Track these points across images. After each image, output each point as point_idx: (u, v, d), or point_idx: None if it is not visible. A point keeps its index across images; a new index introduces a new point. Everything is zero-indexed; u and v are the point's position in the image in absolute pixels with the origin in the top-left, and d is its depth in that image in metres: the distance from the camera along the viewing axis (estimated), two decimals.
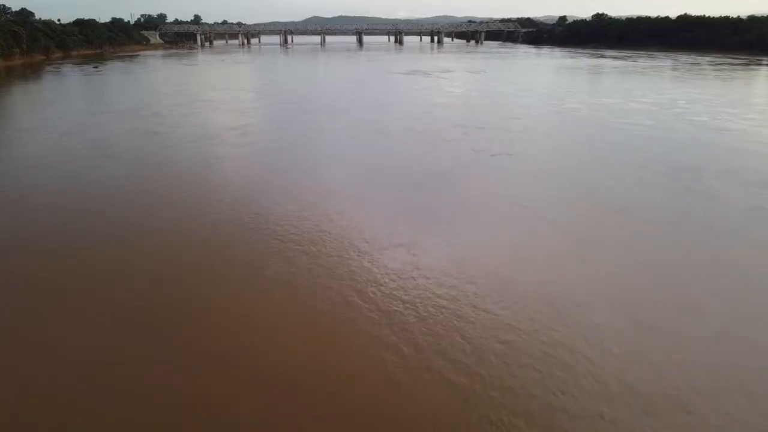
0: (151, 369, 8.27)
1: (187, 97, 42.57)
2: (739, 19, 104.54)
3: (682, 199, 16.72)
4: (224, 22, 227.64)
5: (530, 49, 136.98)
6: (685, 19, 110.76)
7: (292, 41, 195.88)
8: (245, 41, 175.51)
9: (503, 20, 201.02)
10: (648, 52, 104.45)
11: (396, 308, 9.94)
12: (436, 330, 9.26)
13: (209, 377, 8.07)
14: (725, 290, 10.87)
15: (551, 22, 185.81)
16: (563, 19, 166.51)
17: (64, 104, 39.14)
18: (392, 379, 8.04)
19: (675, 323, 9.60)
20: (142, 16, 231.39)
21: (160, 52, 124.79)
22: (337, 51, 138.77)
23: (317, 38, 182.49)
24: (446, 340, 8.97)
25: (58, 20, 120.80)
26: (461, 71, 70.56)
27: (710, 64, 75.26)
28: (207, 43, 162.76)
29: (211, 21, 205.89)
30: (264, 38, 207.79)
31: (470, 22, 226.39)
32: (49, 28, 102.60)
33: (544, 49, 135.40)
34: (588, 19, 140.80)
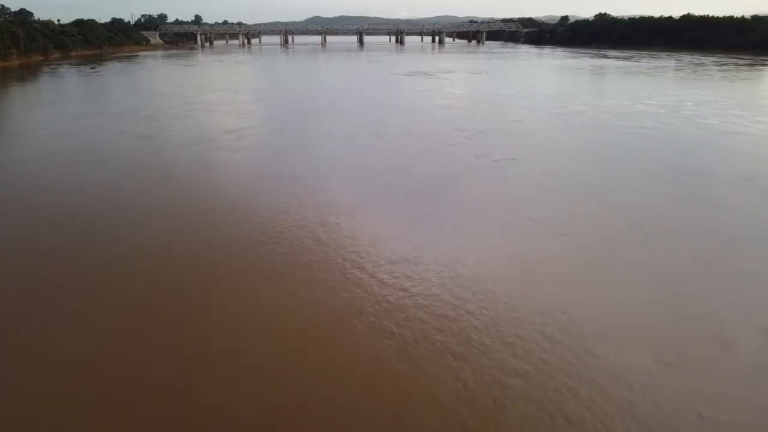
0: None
1: (184, 98, 41.74)
2: (743, 19, 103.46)
3: (696, 210, 15.83)
4: (225, 22, 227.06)
5: (532, 49, 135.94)
6: (688, 19, 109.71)
7: (293, 41, 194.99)
8: (245, 41, 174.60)
9: (505, 20, 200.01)
10: (651, 52, 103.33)
11: (386, 341, 9.08)
12: (428, 373, 8.40)
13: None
14: (752, 314, 9.97)
15: (553, 23, 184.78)
16: (565, 19, 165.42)
17: (56, 106, 38.33)
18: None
19: (703, 357, 8.68)
20: (142, 16, 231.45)
21: (159, 53, 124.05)
22: (338, 51, 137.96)
23: (318, 38, 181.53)
24: (441, 386, 8.10)
25: (58, 20, 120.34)
26: (462, 72, 69.65)
27: (715, 65, 74.28)
28: (207, 44, 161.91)
29: (211, 21, 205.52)
30: (265, 38, 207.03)
31: (471, 22, 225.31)
32: (47, 28, 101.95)
33: (546, 49, 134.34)
34: (590, 19, 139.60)
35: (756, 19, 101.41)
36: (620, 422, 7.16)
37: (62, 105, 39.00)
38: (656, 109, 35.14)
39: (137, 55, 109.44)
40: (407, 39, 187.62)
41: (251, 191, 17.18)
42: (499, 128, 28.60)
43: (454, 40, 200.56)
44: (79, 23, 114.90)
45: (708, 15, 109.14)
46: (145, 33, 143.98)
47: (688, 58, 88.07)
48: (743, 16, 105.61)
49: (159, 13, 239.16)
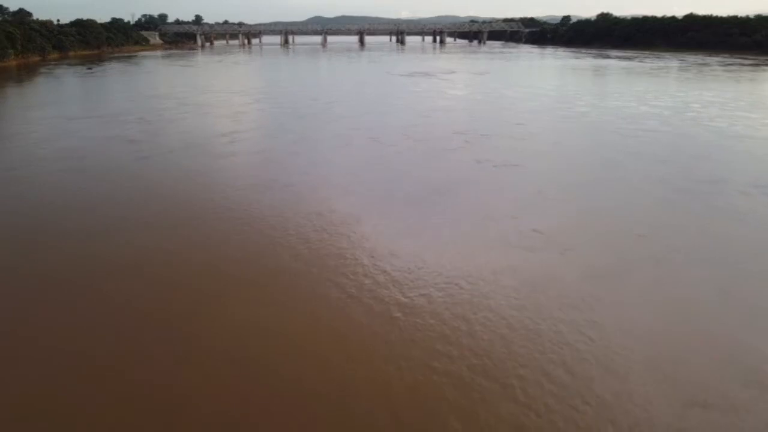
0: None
1: (178, 100, 40.82)
2: (747, 19, 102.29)
3: (712, 225, 14.77)
4: (225, 22, 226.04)
5: (534, 50, 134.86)
6: (691, 19, 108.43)
7: (293, 41, 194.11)
8: (246, 41, 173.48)
9: (506, 20, 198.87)
10: (654, 52, 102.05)
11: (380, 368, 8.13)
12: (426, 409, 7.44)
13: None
14: None
15: (554, 22, 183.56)
16: (567, 18, 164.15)
17: (48, 108, 37.40)
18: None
19: (734, 398, 7.71)
20: (143, 16, 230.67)
21: (158, 53, 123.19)
22: (338, 51, 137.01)
23: (319, 38, 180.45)
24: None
25: (58, 21, 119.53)
26: (464, 73, 68.62)
27: (719, 65, 73.21)
28: (207, 44, 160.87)
29: (212, 21, 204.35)
30: (265, 38, 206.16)
31: (473, 21, 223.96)
32: (45, 28, 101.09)
33: (548, 49, 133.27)
34: (592, 19, 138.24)
35: (760, 19, 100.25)
36: None
37: (53, 107, 38.08)
38: (662, 111, 34.13)
39: (136, 56, 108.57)
40: (408, 39, 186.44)
41: (229, 211, 15.91)
42: (500, 132, 27.64)
43: (455, 40, 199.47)
44: (77, 23, 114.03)
45: (711, 15, 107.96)
46: (144, 33, 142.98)
47: (691, 58, 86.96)
48: (747, 15, 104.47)
49: (159, 12, 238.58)
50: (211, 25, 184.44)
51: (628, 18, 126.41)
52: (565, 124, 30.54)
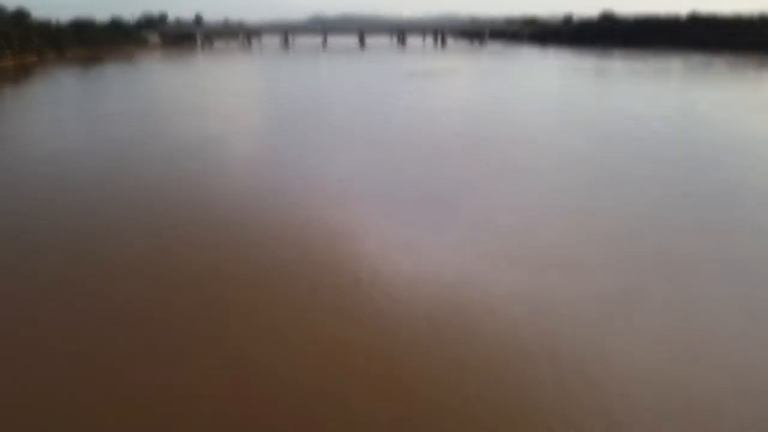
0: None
1: (170, 103, 39.98)
2: (751, 18, 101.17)
3: (737, 244, 13.69)
4: (225, 20, 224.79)
5: (536, 50, 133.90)
6: (695, 18, 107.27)
7: (293, 41, 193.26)
8: (246, 42, 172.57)
9: (507, 20, 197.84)
10: (658, 52, 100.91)
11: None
12: None
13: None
14: None
15: (556, 20, 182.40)
16: (569, 17, 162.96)
17: (38, 111, 36.58)
18: None
19: None
20: (143, 14, 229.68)
21: (157, 54, 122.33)
22: (339, 52, 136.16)
23: (319, 39, 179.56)
24: None
25: (57, 20, 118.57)
26: (467, 74, 67.68)
27: (725, 65, 72.24)
28: (207, 44, 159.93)
29: (213, 18, 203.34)
30: (265, 38, 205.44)
31: (473, 21, 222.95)
32: (44, 28, 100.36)
33: (551, 49, 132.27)
34: (595, 19, 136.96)
35: (765, 18, 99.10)
36: None
37: (48, 107, 37.27)
38: (672, 113, 33.24)
39: (134, 57, 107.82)
40: (409, 39, 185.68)
41: (211, 227, 14.89)
42: (505, 136, 26.76)
43: (456, 40, 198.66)
44: (75, 24, 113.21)
45: (715, 14, 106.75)
46: (144, 33, 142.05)
47: (696, 58, 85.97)
48: (751, 15, 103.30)
49: (160, 10, 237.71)
50: (210, 25, 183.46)
51: (631, 18, 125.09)
52: (571, 128, 29.56)
